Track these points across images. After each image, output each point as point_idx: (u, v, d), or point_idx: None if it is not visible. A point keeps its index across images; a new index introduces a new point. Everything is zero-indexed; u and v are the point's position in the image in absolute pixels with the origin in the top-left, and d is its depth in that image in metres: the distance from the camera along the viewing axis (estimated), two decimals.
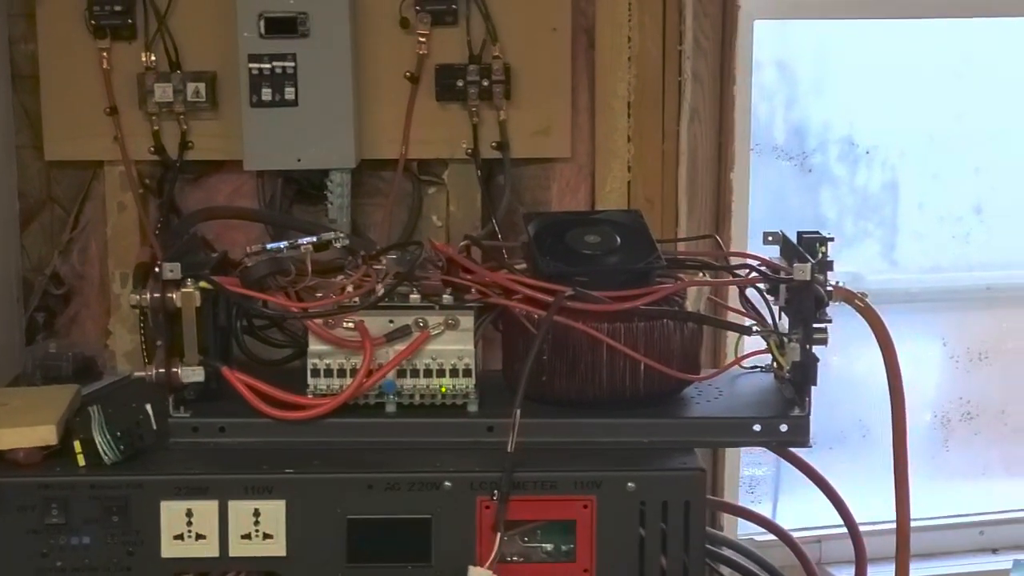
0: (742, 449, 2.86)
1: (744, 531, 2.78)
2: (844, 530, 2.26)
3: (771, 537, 2.41)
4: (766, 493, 3.02)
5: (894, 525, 2.11)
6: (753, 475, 3.00)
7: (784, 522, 2.49)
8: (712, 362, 2.49)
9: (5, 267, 2.51)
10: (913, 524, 3.02)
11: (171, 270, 1.91)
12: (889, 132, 2.95)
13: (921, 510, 2.96)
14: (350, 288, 1.99)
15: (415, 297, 1.98)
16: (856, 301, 2.05)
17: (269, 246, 2.02)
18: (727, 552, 2.42)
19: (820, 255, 2.03)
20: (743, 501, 2.91)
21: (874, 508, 2.43)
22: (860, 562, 2.32)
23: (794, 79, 2.90)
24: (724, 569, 2.44)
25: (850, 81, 2.91)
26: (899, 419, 2.08)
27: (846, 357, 2.78)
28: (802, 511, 2.86)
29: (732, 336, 2.21)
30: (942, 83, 2.94)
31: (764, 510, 2.92)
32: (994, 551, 3.09)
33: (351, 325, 1.95)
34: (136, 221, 2.52)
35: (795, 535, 2.39)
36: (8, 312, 2.51)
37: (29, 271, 2.56)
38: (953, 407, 3.10)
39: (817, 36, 2.87)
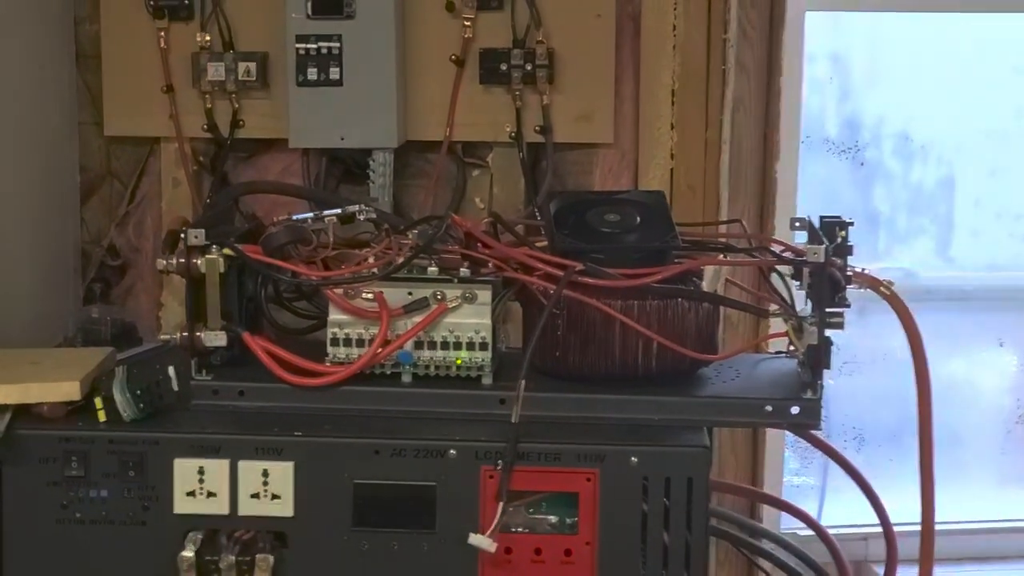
0: (788, 447, 2.87)
1: (787, 526, 2.77)
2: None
3: (813, 534, 2.40)
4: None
5: (944, 526, 2.08)
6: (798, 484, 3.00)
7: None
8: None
9: (64, 238, 2.57)
10: (968, 527, 3.00)
11: (196, 236, 1.94)
12: (945, 127, 2.93)
13: (981, 514, 2.96)
14: (371, 259, 2.01)
15: (434, 270, 1.99)
16: (881, 288, 2.02)
17: (295, 216, 2.05)
18: (766, 545, 2.42)
19: (839, 239, 1.99)
20: None
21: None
22: (891, 557, 2.29)
23: (848, 72, 2.89)
24: (764, 563, 2.43)
25: (905, 75, 2.89)
26: (925, 411, 2.04)
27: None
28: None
29: (774, 321, 2.20)
30: (1000, 79, 2.90)
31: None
32: None
33: (370, 296, 1.97)
34: (190, 197, 2.58)
35: (842, 532, 2.37)
36: (66, 281, 2.57)
37: (88, 243, 2.63)
38: (1013, 410, 3.05)
39: (872, 29, 2.86)
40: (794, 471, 2.94)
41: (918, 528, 2.30)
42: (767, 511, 2.75)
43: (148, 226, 2.63)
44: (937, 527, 2.32)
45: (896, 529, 2.28)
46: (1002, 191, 2.96)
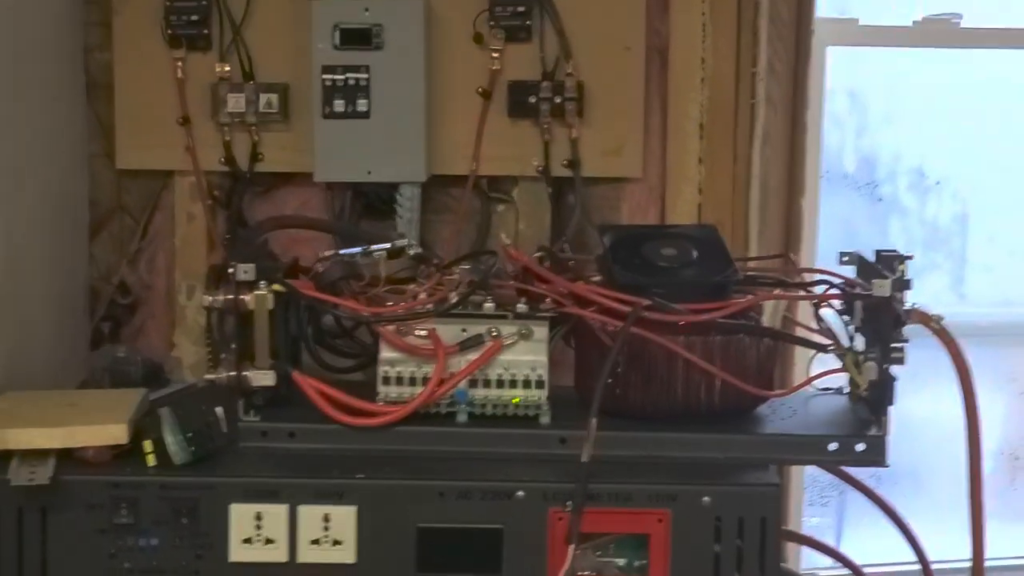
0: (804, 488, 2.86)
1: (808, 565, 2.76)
2: (917, 566, 2.23)
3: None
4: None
5: (955, 564, 2.08)
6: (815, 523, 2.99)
7: None
8: (780, 382, 2.46)
9: (73, 275, 2.51)
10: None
11: (246, 271, 1.89)
12: (960, 163, 2.97)
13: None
14: (423, 295, 1.98)
15: (489, 306, 1.96)
16: (932, 324, 2.02)
17: (342, 252, 2.01)
18: None
19: (899, 273, 1.99)
20: None
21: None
22: None
23: (865, 107, 2.93)
24: None
25: (922, 111, 2.93)
26: (975, 448, 2.04)
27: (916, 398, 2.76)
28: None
29: (800, 356, 2.19)
30: (1016, 115, 2.94)
31: None
32: None
33: (423, 333, 1.93)
34: (204, 232, 2.54)
35: (865, 570, 2.36)
36: (75, 320, 2.51)
37: (97, 280, 2.57)
38: (1022, 445, 3.09)
39: (889, 64, 2.90)
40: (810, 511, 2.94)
41: (950, 566, 2.31)
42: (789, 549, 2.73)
43: (160, 262, 2.58)
44: (954, 564, 2.33)
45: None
46: (1016, 227, 3.00)
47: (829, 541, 2.92)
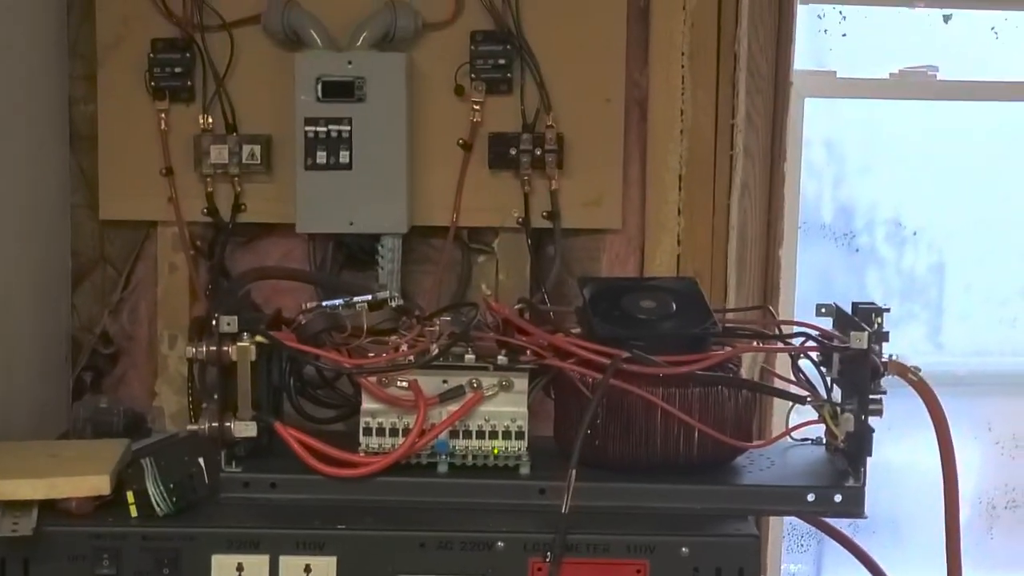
0: (782, 536, 2.87)
1: None
2: None
3: None
4: None
5: None
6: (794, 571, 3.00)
7: None
8: (758, 433, 2.48)
9: (55, 325, 2.53)
10: None
11: (228, 323, 1.91)
12: (936, 214, 2.97)
13: None
14: (404, 347, 1.99)
15: (469, 357, 1.97)
16: (909, 375, 2.04)
17: (325, 304, 2.03)
18: None
19: (876, 325, 2.02)
20: None
21: None
22: None
23: (843, 158, 2.93)
24: None
25: (898, 162, 2.93)
26: (952, 498, 2.07)
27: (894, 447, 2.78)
28: None
29: (779, 407, 2.21)
30: (991, 166, 2.95)
31: None
32: None
33: (404, 384, 1.95)
34: (186, 283, 2.55)
35: None
36: (56, 370, 2.52)
37: (78, 330, 2.58)
38: (998, 494, 3.07)
39: (867, 115, 2.90)
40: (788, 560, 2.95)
41: None
42: None
43: (142, 312, 2.59)
44: None
45: None
46: (991, 277, 3.01)
47: None
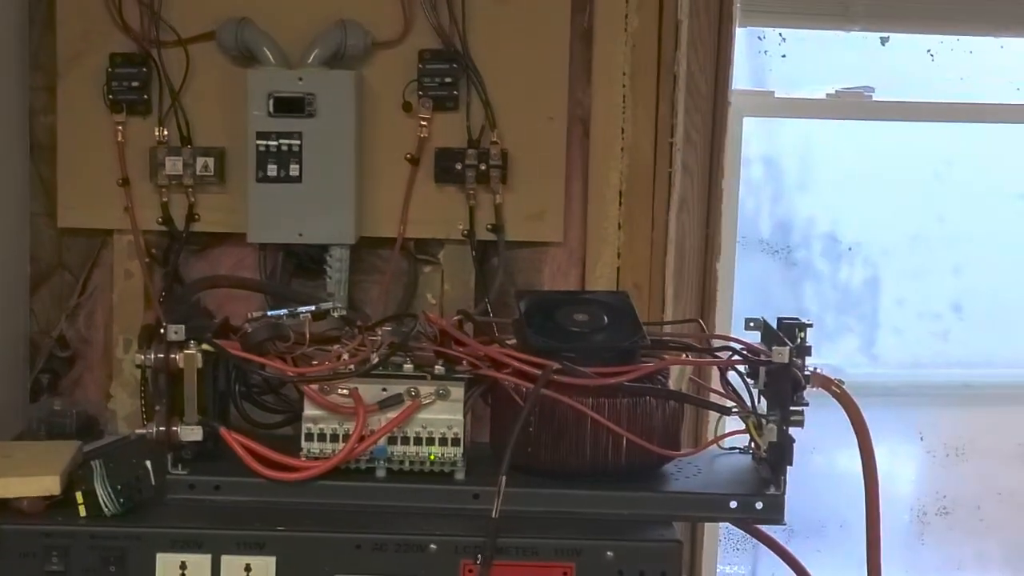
0: (720, 539, 2.93)
1: None
2: None
3: None
4: None
5: None
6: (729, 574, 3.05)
7: None
8: (693, 442, 2.54)
9: (14, 329, 2.56)
10: None
11: (176, 332, 1.96)
12: (871, 230, 3.01)
13: None
14: (346, 356, 2.04)
15: (408, 367, 2.02)
16: (832, 387, 2.10)
17: (270, 313, 2.07)
18: None
19: (799, 340, 2.07)
20: None
21: None
22: None
23: (781, 175, 2.97)
24: None
25: (834, 179, 2.98)
26: (872, 503, 2.11)
27: (827, 455, 2.85)
28: None
29: (712, 417, 2.26)
30: (924, 185, 3.00)
31: None
32: None
33: (345, 392, 2.00)
34: (141, 289, 2.58)
35: None
36: (14, 372, 2.56)
37: (36, 333, 2.61)
38: (929, 501, 3.12)
39: (804, 134, 2.94)
40: (725, 561, 3.00)
41: None
42: None
43: (99, 317, 2.62)
44: None
45: None
46: (923, 292, 3.06)
47: None
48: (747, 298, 2.86)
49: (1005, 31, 2.90)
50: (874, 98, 2.89)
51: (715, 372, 2.21)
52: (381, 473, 2.02)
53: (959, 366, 3.10)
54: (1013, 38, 2.92)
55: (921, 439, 3.11)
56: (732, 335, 2.32)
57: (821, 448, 2.72)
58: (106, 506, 1.94)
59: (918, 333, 3.09)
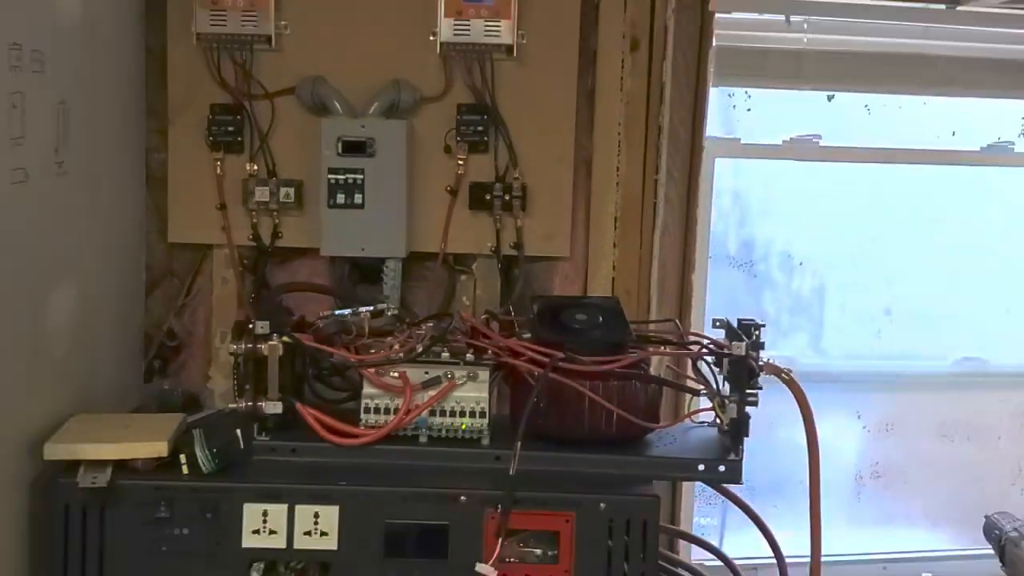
0: (696, 496, 2.93)
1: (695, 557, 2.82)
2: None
3: (717, 564, 2.46)
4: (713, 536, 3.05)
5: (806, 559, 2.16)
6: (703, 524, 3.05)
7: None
8: (671, 417, 2.54)
9: (132, 324, 2.57)
10: (829, 560, 3.04)
11: (262, 327, 2.00)
12: (819, 248, 3.02)
13: (837, 548, 3.02)
14: (397, 346, 2.08)
15: (446, 355, 2.06)
16: (783, 375, 2.10)
17: (337, 312, 2.11)
18: (682, 572, 2.48)
19: (754, 336, 2.08)
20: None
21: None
22: None
23: (746, 204, 2.97)
24: None
25: (789, 208, 2.98)
26: (814, 470, 2.12)
27: (788, 429, 2.83)
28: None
29: (686, 398, 2.26)
30: (861, 213, 3.00)
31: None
32: None
33: (396, 374, 2.03)
34: (235, 292, 2.60)
35: (739, 563, 2.44)
36: (132, 359, 2.58)
37: (150, 327, 2.62)
38: (866, 467, 3.14)
39: (764, 172, 2.95)
40: (700, 514, 3.01)
41: (804, 560, 2.39)
42: (680, 545, 2.81)
43: (200, 315, 2.63)
44: (804, 559, 2.41)
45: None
46: (862, 299, 3.06)
47: (714, 538, 3.01)
48: (717, 303, 2.87)
49: (928, 91, 2.92)
50: (821, 143, 2.91)
51: (688, 362, 2.23)
52: (423, 439, 2.05)
53: (890, 358, 3.12)
54: (934, 96, 2.94)
55: (859, 417, 3.13)
56: (703, 333, 2.34)
57: (783, 423, 2.72)
58: (204, 465, 1.96)
59: (856, 332, 3.09)
